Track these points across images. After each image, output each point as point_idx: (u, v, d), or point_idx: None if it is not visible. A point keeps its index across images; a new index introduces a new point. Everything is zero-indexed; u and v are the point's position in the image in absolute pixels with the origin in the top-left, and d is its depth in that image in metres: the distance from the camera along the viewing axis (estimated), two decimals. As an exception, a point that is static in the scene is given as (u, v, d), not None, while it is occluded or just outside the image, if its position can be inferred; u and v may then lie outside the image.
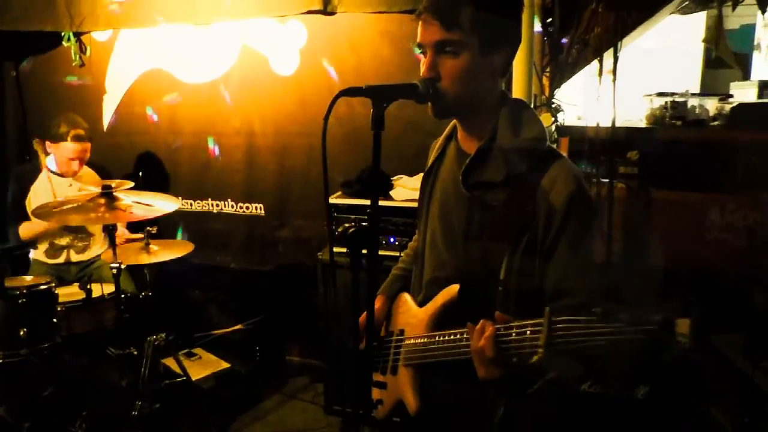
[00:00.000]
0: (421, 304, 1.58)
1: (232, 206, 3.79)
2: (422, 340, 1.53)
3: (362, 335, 1.66)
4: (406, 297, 1.66)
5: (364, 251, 1.36)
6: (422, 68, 1.37)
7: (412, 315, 1.60)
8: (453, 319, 1.43)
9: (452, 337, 1.42)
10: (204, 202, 3.85)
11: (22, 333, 2.60)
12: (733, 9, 2.76)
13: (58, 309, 2.81)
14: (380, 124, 1.24)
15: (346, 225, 1.33)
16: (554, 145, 2.90)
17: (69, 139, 3.33)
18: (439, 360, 1.46)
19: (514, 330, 1.24)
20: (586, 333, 1.11)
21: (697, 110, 2.94)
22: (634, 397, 2.44)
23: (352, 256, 1.32)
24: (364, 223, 1.34)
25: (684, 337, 1.05)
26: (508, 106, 1.42)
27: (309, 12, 3.09)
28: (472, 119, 1.45)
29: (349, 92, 1.26)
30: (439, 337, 1.47)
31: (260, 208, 3.72)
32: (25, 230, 3.41)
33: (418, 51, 1.42)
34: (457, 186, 1.44)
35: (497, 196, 1.39)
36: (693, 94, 3.03)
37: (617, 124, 2.90)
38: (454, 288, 1.44)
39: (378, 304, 1.74)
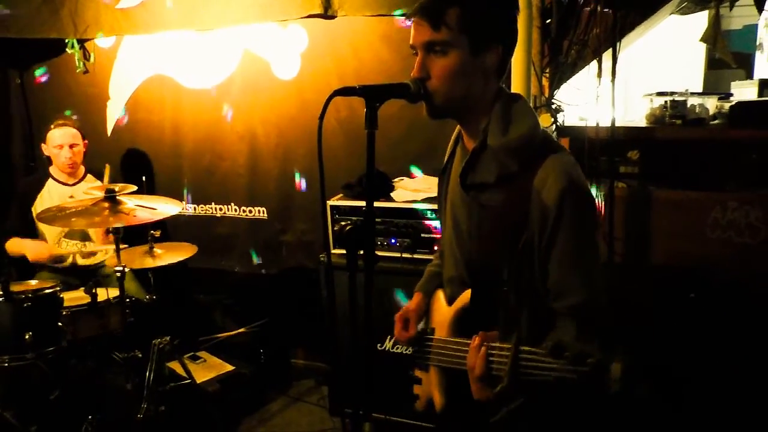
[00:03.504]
0: (448, 302, 1.61)
1: (236, 210, 3.82)
2: (442, 344, 1.57)
3: (411, 326, 1.70)
4: (440, 294, 1.68)
5: (361, 251, 1.37)
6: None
7: (441, 314, 1.63)
8: (469, 321, 1.45)
9: (461, 347, 1.44)
10: (207, 206, 3.88)
11: (27, 337, 2.62)
12: (731, 9, 2.77)
13: (64, 313, 2.84)
14: (374, 123, 1.27)
15: (342, 223, 1.35)
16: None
17: (52, 127, 3.42)
18: (452, 366, 1.49)
19: (497, 351, 1.27)
20: (539, 366, 1.13)
21: (697, 109, 2.93)
22: (637, 395, 2.45)
23: (348, 254, 1.33)
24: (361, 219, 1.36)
25: (617, 383, 1.05)
26: (500, 103, 1.41)
27: (310, 16, 3.12)
28: (468, 119, 1.46)
29: (343, 92, 1.28)
30: (453, 344, 1.50)
31: (263, 211, 3.74)
32: (11, 245, 3.41)
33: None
34: (459, 187, 1.47)
35: (493, 197, 1.41)
36: (693, 93, 3.03)
37: (619, 124, 2.91)
38: (467, 294, 1.47)
39: (415, 301, 1.76)
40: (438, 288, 1.70)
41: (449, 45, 1.34)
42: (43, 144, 3.50)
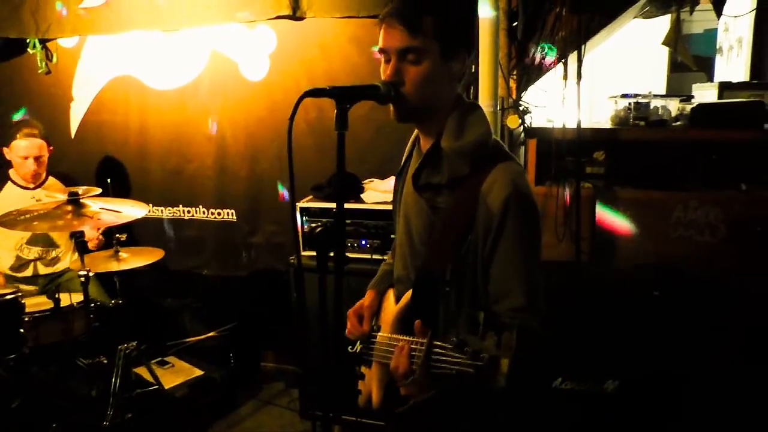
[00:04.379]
0: (396, 301, 1.62)
1: (204, 212, 3.77)
2: (384, 340, 1.59)
3: (365, 321, 1.70)
4: (391, 293, 1.70)
5: (331, 253, 1.37)
6: (383, 72, 1.40)
7: (388, 312, 1.65)
8: (411, 320, 1.45)
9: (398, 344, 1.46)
10: (175, 209, 3.82)
11: (-13, 344, 2.55)
12: (691, 13, 2.85)
13: (26, 319, 2.77)
14: (343, 124, 1.27)
15: (313, 225, 1.35)
16: (521, 147, 2.99)
17: (18, 136, 3.31)
18: (387, 363, 1.49)
19: (417, 347, 1.30)
20: (446, 360, 1.16)
21: (660, 111, 3.00)
22: (605, 392, 2.50)
23: (319, 256, 1.33)
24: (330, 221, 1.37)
25: (503, 377, 1.09)
26: (458, 110, 1.45)
27: (278, 17, 3.11)
28: (428, 123, 1.49)
29: (314, 93, 1.28)
30: (393, 341, 1.51)
31: (232, 213, 3.70)
32: None
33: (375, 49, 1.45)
34: (412, 188, 1.50)
35: (443, 199, 1.44)
36: (655, 96, 3.10)
37: (585, 126, 2.96)
38: (410, 293, 1.49)
39: (368, 298, 1.77)
40: (390, 287, 1.72)
41: (424, 52, 1.36)
42: (5, 148, 3.40)
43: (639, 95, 3.05)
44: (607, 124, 3.16)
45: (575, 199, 2.90)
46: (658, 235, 2.84)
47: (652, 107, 2.98)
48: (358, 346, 1.70)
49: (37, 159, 3.36)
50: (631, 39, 4.52)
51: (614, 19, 2.93)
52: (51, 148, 3.46)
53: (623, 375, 2.53)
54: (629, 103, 3.01)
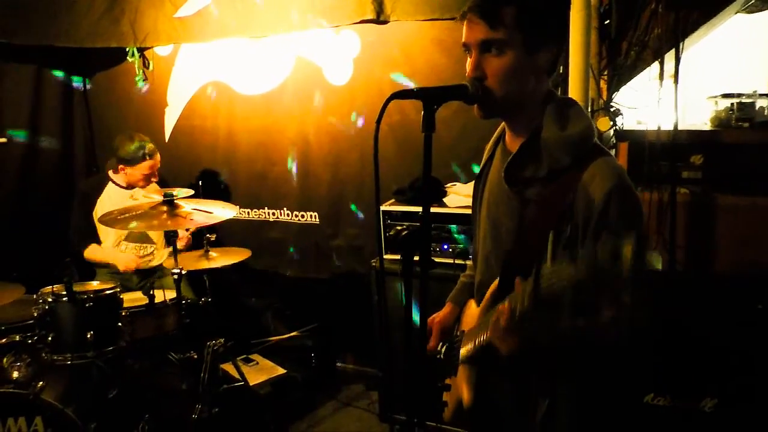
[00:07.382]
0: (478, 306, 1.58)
1: (288, 215, 3.85)
2: (468, 334, 1.56)
3: (433, 337, 1.70)
4: (471, 301, 1.68)
5: (416, 257, 1.35)
6: (467, 68, 1.38)
7: (471, 316, 1.62)
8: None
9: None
10: (260, 210, 3.93)
11: (89, 336, 2.69)
12: (804, 4, 2.64)
13: (123, 314, 2.91)
14: (431, 125, 1.25)
15: (398, 228, 1.33)
16: (612, 150, 2.86)
17: (147, 158, 3.46)
18: (477, 345, 1.45)
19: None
20: (555, 275, 1.07)
21: (766, 111, 2.81)
22: (701, 410, 2.35)
23: (404, 259, 1.31)
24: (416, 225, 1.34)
25: (629, 261, 0.96)
26: (554, 104, 1.41)
27: (362, 21, 3.13)
28: (517, 118, 1.45)
29: (401, 94, 1.27)
30: (477, 326, 1.49)
31: (315, 216, 3.77)
32: (91, 253, 3.54)
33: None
34: (502, 185, 1.45)
35: (539, 191, 1.39)
36: (761, 95, 2.90)
37: (680, 128, 2.81)
38: (496, 283, 1.44)
39: (446, 311, 1.76)
40: (471, 298, 1.69)
41: (506, 44, 1.32)
42: (123, 166, 3.50)
43: (743, 95, 2.85)
44: (704, 126, 2.98)
45: (670, 205, 2.75)
46: (762, 244, 2.65)
47: (758, 107, 2.78)
48: (442, 348, 1.67)
49: (155, 174, 3.57)
50: (728, 35, 4.26)
51: (716, 14, 2.75)
52: None
53: (722, 392, 2.38)
54: (731, 104, 2.82)
